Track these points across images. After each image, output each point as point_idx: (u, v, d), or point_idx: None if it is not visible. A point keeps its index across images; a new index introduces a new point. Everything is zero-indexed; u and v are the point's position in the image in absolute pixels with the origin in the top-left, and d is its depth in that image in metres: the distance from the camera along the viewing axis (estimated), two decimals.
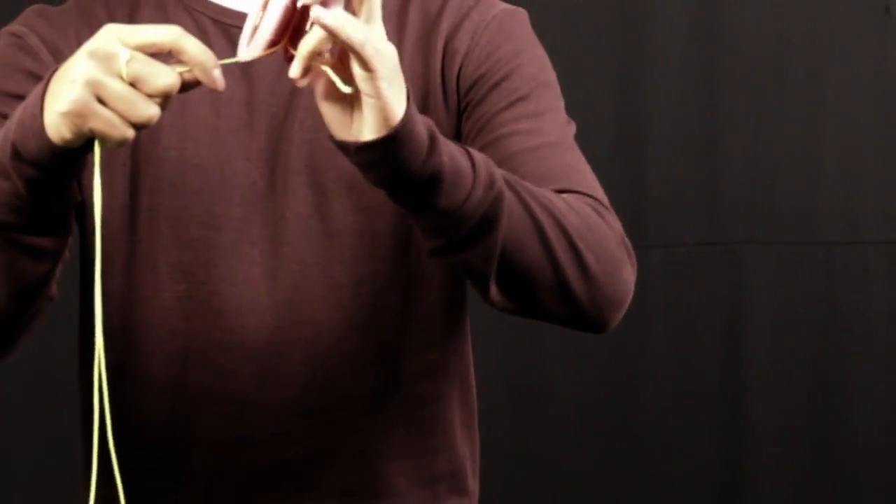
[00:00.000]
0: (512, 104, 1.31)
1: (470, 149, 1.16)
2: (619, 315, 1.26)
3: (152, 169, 1.30)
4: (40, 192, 1.11)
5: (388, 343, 1.32)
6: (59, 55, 1.30)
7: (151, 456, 1.32)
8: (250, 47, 1.08)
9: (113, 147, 1.05)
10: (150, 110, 1.03)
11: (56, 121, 1.04)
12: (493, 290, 1.20)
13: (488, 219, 1.15)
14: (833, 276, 2.46)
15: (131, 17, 1.34)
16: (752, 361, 2.46)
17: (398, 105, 1.07)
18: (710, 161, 2.44)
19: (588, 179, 1.30)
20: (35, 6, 1.35)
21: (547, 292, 1.21)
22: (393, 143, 1.08)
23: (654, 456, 2.46)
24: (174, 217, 1.29)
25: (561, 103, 1.35)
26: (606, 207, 1.28)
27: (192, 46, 1.04)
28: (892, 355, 2.48)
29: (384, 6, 1.33)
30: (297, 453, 1.31)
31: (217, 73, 1.05)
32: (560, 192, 1.26)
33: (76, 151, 1.06)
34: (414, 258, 1.32)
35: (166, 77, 1.03)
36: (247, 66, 1.29)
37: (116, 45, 1.03)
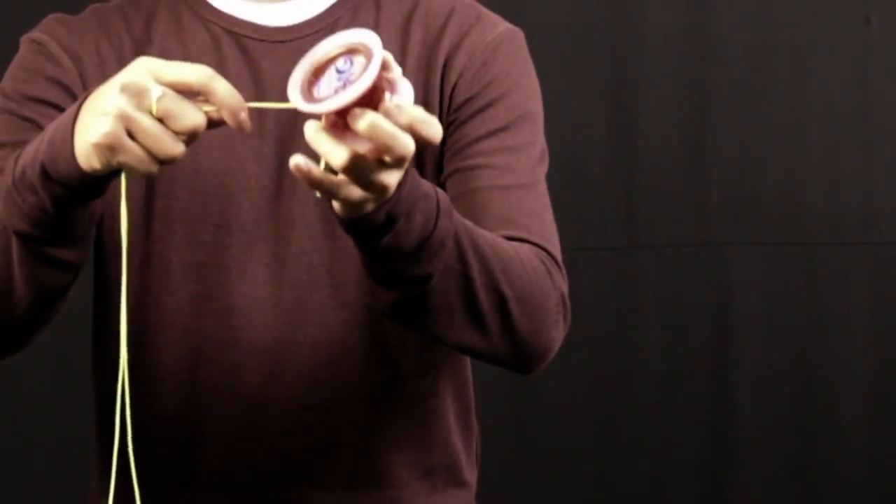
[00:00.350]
0: (492, 133, 1.33)
1: (439, 205, 1.14)
2: (541, 365, 1.28)
3: (167, 173, 1.30)
4: (66, 208, 1.12)
5: (389, 341, 1.33)
6: (79, 62, 1.33)
7: (164, 449, 1.33)
8: (315, 105, 1.03)
9: (137, 178, 1.07)
10: (176, 148, 1.04)
11: (86, 150, 1.05)
12: (392, 303, 1.20)
13: (423, 272, 1.16)
14: (816, 275, 2.47)
15: (146, 27, 1.36)
16: (739, 357, 2.47)
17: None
18: (698, 166, 2.45)
19: (547, 229, 1.32)
20: (55, 15, 1.37)
21: (465, 344, 1.23)
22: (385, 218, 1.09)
23: (645, 448, 2.47)
24: (188, 219, 1.31)
25: (539, 136, 1.37)
26: (557, 262, 1.30)
27: (222, 89, 1.04)
28: (873, 352, 2.48)
29: (389, 20, 1.37)
30: (302, 446, 1.32)
31: (244, 116, 1.05)
32: (519, 239, 1.27)
33: (103, 177, 1.08)
34: None
35: (194, 117, 1.03)
36: (258, 76, 1.33)
37: (149, 81, 1.03)
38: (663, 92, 2.43)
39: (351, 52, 1.04)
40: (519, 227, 1.29)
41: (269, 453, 1.32)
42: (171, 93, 1.03)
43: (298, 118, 1.32)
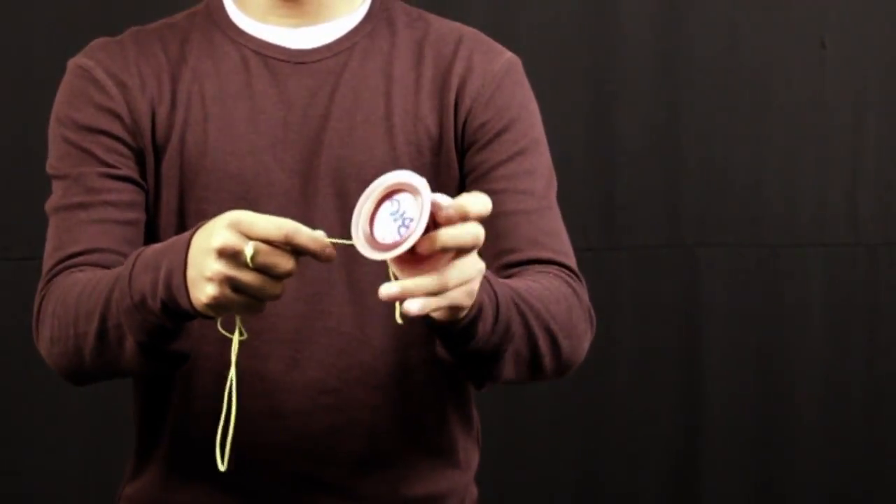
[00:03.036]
0: (511, 158, 1.35)
1: (497, 296, 1.18)
2: (572, 371, 1.34)
3: (201, 179, 1.32)
4: (183, 323, 1.19)
5: (399, 333, 1.33)
6: (124, 88, 1.34)
7: (197, 427, 1.34)
8: (383, 253, 1.04)
9: (250, 317, 1.11)
10: (276, 290, 1.08)
11: (201, 306, 1.11)
12: (484, 385, 1.28)
13: (497, 352, 1.22)
14: (776, 274, 2.47)
15: (181, 47, 1.36)
16: (707, 350, 2.47)
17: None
18: (670, 174, 2.44)
19: (565, 244, 1.36)
20: (98, 40, 1.38)
21: (522, 377, 1.28)
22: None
23: (621, 433, 2.46)
24: None
25: (548, 157, 1.40)
26: (577, 276, 1.35)
27: (305, 239, 1.06)
28: (827, 343, 2.49)
29: (403, 44, 1.37)
30: (318, 427, 1.33)
31: (329, 251, 1.07)
32: (546, 261, 1.33)
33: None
34: None
35: (286, 264, 1.07)
36: (283, 94, 1.33)
37: (241, 241, 1.06)
38: (638, 106, 2.42)
39: (391, 193, 1.06)
40: (545, 248, 1.33)
41: (288, 432, 1.33)
42: (262, 247, 1.06)
43: (320, 132, 1.33)
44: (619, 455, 2.48)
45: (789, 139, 2.47)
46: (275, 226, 1.06)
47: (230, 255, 1.07)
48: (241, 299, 1.08)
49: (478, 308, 1.15)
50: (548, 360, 1.28)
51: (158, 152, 1.34)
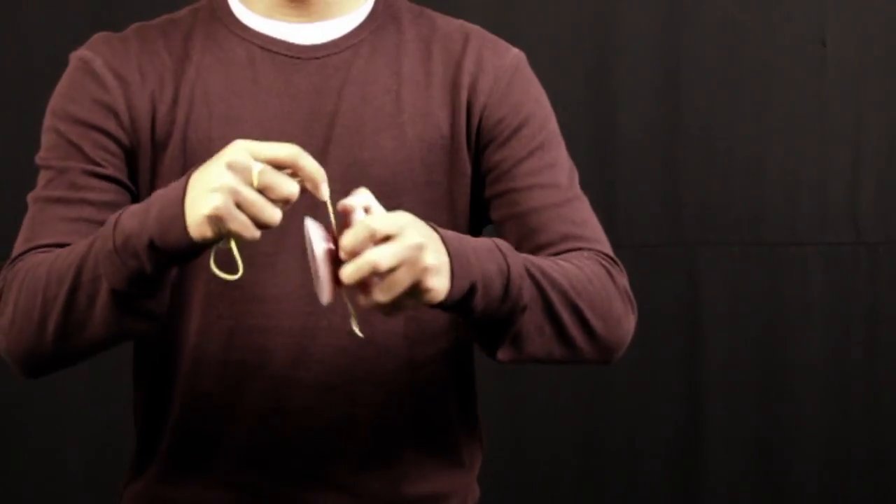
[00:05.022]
0: (531, 153, 1.36)
1: (510, 267, 1.20)
2: (619, 354, 1.33)
3: None
4: (164, 271, 1.18)
5: (404, 332, 1.34)
6: (124, 83, 1.32)
7: (199, 421, 1.34)
8: (324, 296, 1.11)
9: (243, 244, 1.12)
10: (276, 214, 1.09)
11: (199, 221, 1.10)
12: (500, 353, 1.26)
13: (509, 322, 1.22)
14: (776, 273, 2.47)
15: (185, 44, 1.35)
16: (708, 349, 2.47)
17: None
18: (672, 174, 2.45)
19: (597, 232, 1.36)
20: (101, 34, 1.37)
21: (556, 356, 1.28)
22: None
23: (621, 432, 2.47)
24: None
25: (565, 149, 1.40)
26: (614, 260, 1.34)
27: (308, 164, 1.10)
28: (828, 343, 2.50)
29: (411, 41, 1.37)
30: (322, 424, 1.33)
31: (324, 187, 1.11)
32: (578, 249, 1.32)
33: (206, 244, 1.13)
34: None
35: (289, 186, 1.09)
36: (289, 89, 1.33)
37: (249, 159, 1.09)
38: (638, 105, 2.43)
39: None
40: (577, 239, 1.34)
41: (292, 429, 1.33)
42: (268, 168, 1.09)
43: (328, 129, 1.32)
44: (619, 454, 2.48)
45: (790, 138, 2.48)
46: (284, 147, 1.10)
47: (238, 170, 1.09)
48: (240, 217, 1.09)
49: (470, 284, 1.16)
50: (578, 337, 1.27)
51: (158, 150, 1.33)
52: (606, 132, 2.43)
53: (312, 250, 1.11)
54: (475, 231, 1.39)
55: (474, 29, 1.40)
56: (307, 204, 1.24)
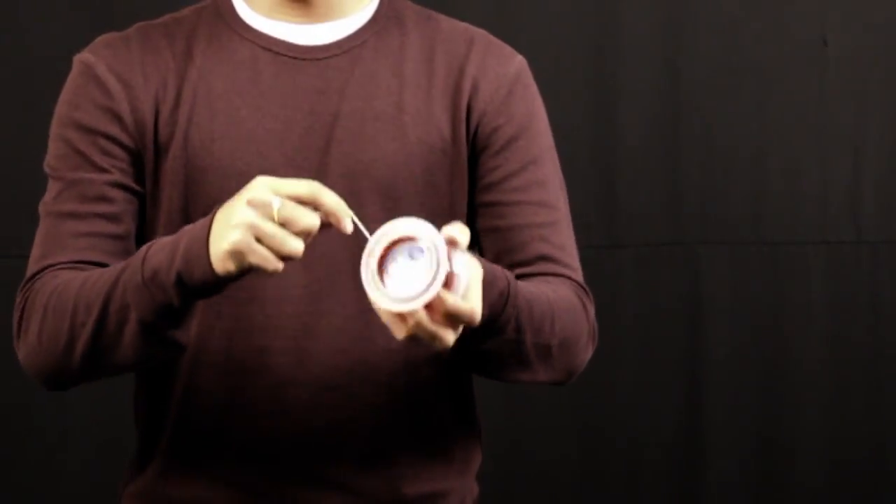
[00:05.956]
0: (523, 168, 1.36)
1: (509, 289, 1.24)
2: (571, 380, 1.37)
3: (208, 178, 1.32)
4: (190, 303, 1.21)
5: None
6: (127, 86, 1.32)
7: (200, 420, 1.34)
8: (404, 304, 1.10)
9: (267, 276, 1.14)
10: (297, 246, 1.12)
11: (221, 256, 1.14)
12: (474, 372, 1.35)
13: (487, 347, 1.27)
14: (778, 272, 2.47)
15: (188, 43, 1.35)
16: (709, 348, 2.47)
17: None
18: (672, 172, 2.45)
19: (574, 258, 1.39)
20: (104, 36, 1.37)
21: (507, 378, 1.33)
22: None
23: (622, 431, 2.47)
24: None
25: (558, 165, 1.41)
26: (586, 290, 1.38)
27: (329, 199, 1.13)
28: (830, 343, 2.49)
29: (413, 43, 1.37)
30: (321, 423, 1.33)
31: (347, 221, 1.13)
32: (555, 274, 1.35)
33: (231, 277, 1.16)
34: None
35: (309, 219, 1.12)
36: (291, 90, 1.33)
37: (270, 195, 1.12)
38: (640, 104, 2.43)
39: (401, 241, 1.12)
40: (554, 263, 1.36)
41: (292, 428, 1.33)
42: (288, 202, 1.12)
43: (330, 129, 1.32)
44: (620, 453, 2.48)
45: (791, 137, 2.47)
46: (304, 183, 1.13)
47: (259, 205, 1.12)
48: (260, 251, 1.12)
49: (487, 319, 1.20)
50: (538, 368, 1.32)
51: (160, 151, 1.33)
52: (607, 131, 2.43)
53: (430, 284, 1.09)
54: (473, 235, 1.38)
55: (479, 33, 1.40)
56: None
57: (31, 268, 1.33)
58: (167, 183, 1.33)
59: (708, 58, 2.45)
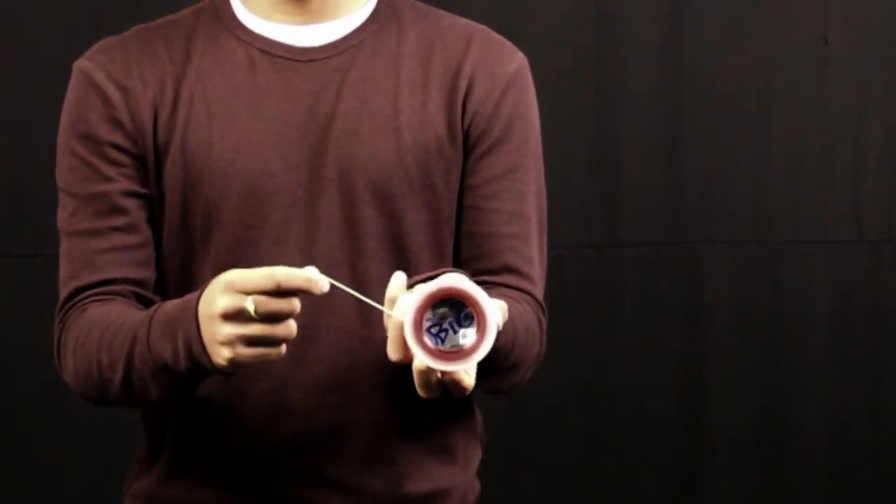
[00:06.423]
0: (504, 174, 1.36)
1: (515, 340, 1.27)
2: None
3: (206, 179, 1.32)
4: (204, 379, 1.24)
5: None
6: (126, 93, 1.33)
7: (203, 423, 1.34)
8: (453, 364, 1.13)
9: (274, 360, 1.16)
10: (288, 330, 1.13)
11: (223, 364, 1.16)
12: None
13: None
14: (779, 271, 2.47)
15: (186, 45, 1.35)
16: (711, 347, 2.47)
17: None
18: (674, 171, 2.44)
19: (540, 273, 1.40)
20: (102, 42, 1.37)
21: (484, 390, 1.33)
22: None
23: (624, 430, 2.47)
24: (224, 219, 1.32)
25: (541, 174, 1.40)
26: (543, 310, 1.39)
27: (296, 280, 1.11)
28: (831, 341, 2.49)
29: (411, 42, 1.36)
30: (322, 424, 1.33)
31: (319, 285, 1.12)
32: (520, 289, 1.36)
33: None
34: (428, 259, 1.35)
35: (289, 307, 1.12)
36: (288, 91, 1.33)
37: (240, 301, 1.12)
38: (641, 104, 2.43)
39: (439, 297, 1.13)
40: (519, 277, 1.37)
41: (293, 428, 1.33)
42: (261, 299, 1.12)
43: (326, 130, 1.32)
44: (621, 452, 2.48)
45: (792, 136, 2.47)
46: (266, 276, 1.11)
47: (234, 316, 1.12)
48: (257, 351, 1.13)
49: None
50: (504, 386, 1.35)
51: (160, 154, 1.34)
52: (608, 129, 2.43)
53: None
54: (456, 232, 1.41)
55: (479, 29, 1.40)
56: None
57: (62, 290, 1.36)
58: (168, 185, 1.33)
59: (709, 57, 2.44)
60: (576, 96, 2.40)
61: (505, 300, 1.28)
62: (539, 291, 1.39)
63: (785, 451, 2.50)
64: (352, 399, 1.34)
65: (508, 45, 1.40)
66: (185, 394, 1.25)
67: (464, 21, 1.41)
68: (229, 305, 1.12)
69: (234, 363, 1.14)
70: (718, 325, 2.48)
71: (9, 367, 2.30)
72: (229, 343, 1.13)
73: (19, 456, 2.32)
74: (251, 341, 1.13)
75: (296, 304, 1.12)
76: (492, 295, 1.30)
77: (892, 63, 2.49)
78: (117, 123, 1.33)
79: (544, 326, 1.38)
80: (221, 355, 1.14)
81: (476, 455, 1.45)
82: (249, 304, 1.11)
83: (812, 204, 2.48)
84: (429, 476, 1.38)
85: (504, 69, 1.37)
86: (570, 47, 2.41)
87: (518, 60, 1.39)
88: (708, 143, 2.45)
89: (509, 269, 1.36)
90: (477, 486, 1.45)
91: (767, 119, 2.46)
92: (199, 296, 1.17)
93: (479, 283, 1.32)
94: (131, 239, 1.34)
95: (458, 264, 1.38)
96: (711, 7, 2.44)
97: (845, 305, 2.50)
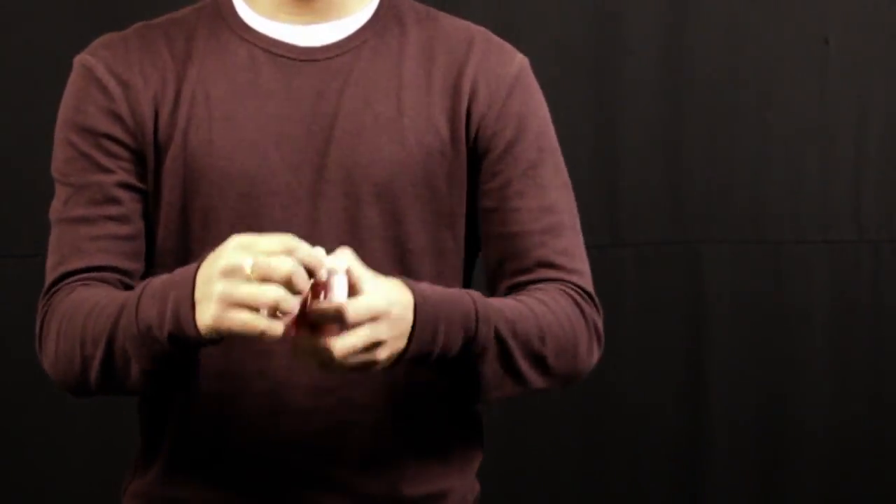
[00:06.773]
0: (524, 173, 1.36)
1: (479, 323, 1.25)
2: (576, 383, 1.38)
3: (206, 178, 1.32)
4: (189, 353, 1.22)
5: None
6: (127, 88, 1.33)
7: (200, 423, 1.34)
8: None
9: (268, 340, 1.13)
10: (274, 294, 1.10)
11: (209, 327, 1.14)
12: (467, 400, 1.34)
13: (469, 376, 1.29)
14: (780, 271, 2.47)
15: (187, 44, 1.35)
16: (711, 346, 2.48)
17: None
18: (674, 171, 2.45)
19: (578, 262, 1.37)
20: (103, 37, 1.37)
21: (513, 395, 1.33)
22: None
23: (624, 429, 2.47)
24: (224, 218, 1.32)
25: (561, 166, 1.40)
26: (589, 294, 1.36)
27: (304, 251, 1.12)
28: (831, 341, 2.49)
29: (413, 43, 1.36)
30: (320, 426, 1.33)
31: (322, 271, 1.13)
32: (556, 280, 1.34)
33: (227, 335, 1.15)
34: (430, 262, 1.36)
35: (287, 265, 1.10)
36: (290, 91, 1.33)
37: (241, 258, 1.11)
38: (642, 103, 2.43)
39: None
40: (555, 269, 1.35)
41: (290, 431, 1.33)
42: (260, 258, 1.11)
43: (329, 130, 1.32)
44: (621, 452, 2.48)
45: (793, 136, 2.47)
46: (278, 239, 1.12)
47: (229, 273, 1.11)
48: (242, 317, 1.11)
49: (426, 354, 1.22)
50: (533, 380, 1.32)
51: (160, 152, 1.34)
52: (609, 129, 2.43)
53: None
54: (474, 240, 1.39)
55: (480, 32, 1.40)
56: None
57: (48, 276, 1.34)
58: (167, 183, 1.33)
59: (710, 56, 2.45)
60: (576, 96, 2.40)
61: (524, 296, 1.29)
62: (582, 279, 1.36)
63: (785, 449, 2.50)
64: (350, 401, 1.33)
65: (508, 46, 1.40)
66: (165, 370, 1.22)
67: (463, 23, 1.41)
68: (230, 261, 1.11)
69: (216, 325, 1.12)
70: (719, 324, 2.48)
71: (9, 366, 2.30)
72: (216, 301, 1.11)
73: (19, 456, 2.32)
74: (239, 304, 1.11)
75: (296, 267, 1.10)
76: (524, 295, 1.32)
77: (893, 63, 2.49)
78: (117, 117, 1.33)
79: (588, 312, 1.35)
80: (207, 312, 1.12)
81: (476, 456, 1.45)
82: (248, 262, 1.10)
83: (812, 204, 2.48)
84: (428, 477, 1.38)
85: (506, 70, 1.37)
86: (571, 47, 2.41)
87: (519, 61, 1.39)
88: (708, 143, 2.45)
89: (542, 264, 1.34)
90: (476, 487, 1.45)
91: (767, 119, 2.46)
92: (203, 260, 1.16)
93: (513, 285, 1.34)
94: (123, 229, 1.33)
95: (490, 268, 1.38)
96: (712, 7, 2.44)
97: (845, 305, 2.50)
